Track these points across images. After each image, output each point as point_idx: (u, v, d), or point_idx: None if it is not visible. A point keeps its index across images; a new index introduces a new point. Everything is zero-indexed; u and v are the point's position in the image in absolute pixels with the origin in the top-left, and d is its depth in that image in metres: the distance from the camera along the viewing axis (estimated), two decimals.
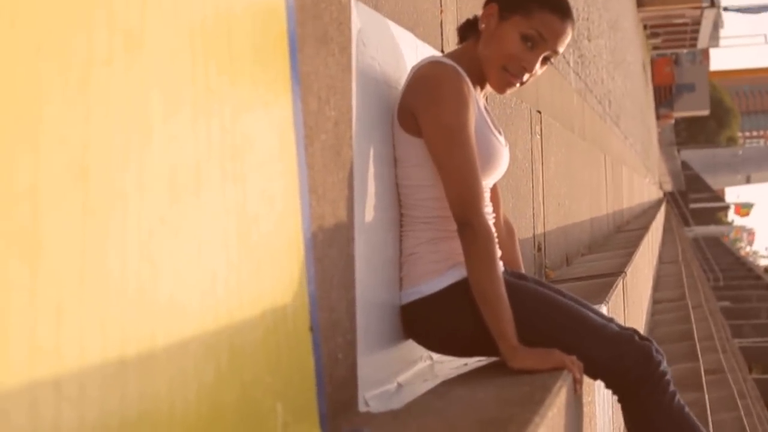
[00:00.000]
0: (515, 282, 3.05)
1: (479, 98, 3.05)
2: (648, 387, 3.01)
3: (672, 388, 3.04)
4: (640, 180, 23.54)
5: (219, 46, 1.93)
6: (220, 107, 1.92)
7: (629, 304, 6.06)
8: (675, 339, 10.85)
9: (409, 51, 3.20)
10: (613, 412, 4.14)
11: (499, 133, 3.14)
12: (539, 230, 6.10)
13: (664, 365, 3.05)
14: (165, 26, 1.73)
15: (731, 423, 11.82)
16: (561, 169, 7.32)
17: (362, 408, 2.62)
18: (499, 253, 3.10)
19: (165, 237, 1.71)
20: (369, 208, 2.79)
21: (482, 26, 3.02)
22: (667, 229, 27.18)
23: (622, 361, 3.00)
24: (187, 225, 1.80)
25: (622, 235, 12.65)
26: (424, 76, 2.92)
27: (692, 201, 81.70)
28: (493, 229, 3.12)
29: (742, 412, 12.91)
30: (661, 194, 38.64)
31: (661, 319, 12.70)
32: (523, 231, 5.57)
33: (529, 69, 2.97)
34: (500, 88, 3.02)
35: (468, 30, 3.09)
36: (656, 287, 15.62)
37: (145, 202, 1.64)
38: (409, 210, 3.03)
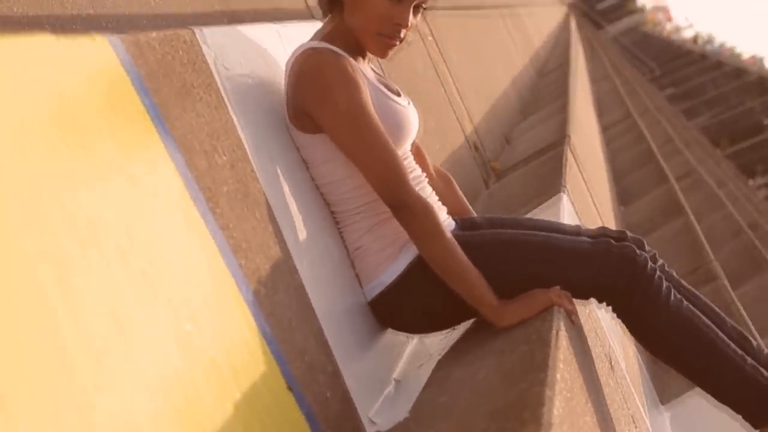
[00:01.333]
0: (471, 236, 2.97)
1: (365, 69, 2.95)
2: (639, 293, 2.95)
3: (665, 286, 2.98)
4: (541, 10, 23.44)
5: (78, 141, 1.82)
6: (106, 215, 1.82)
7: (586, 169, 6.02)
8: (637, 165, 10.87)
9: (274, 44, 3.08)
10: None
11: (398, 94, 3.04)
12: (469, 129, 6.03)
13: (651, 265, 2.98)
14: None
15: (722, 222, 11.90)
16: (464, 55, 7.23)
17: (370, 431, 2.56)
18: (444, 216, 3.03)
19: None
20: (299, 228, 2.70)
21: None
22: (585, 44, 27.19)
23: (605, 275, 2.94)
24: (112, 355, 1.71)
25: (546, 82, 12.60)
26: (303, 70, 2.81)
27: (597, 2, 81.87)
28: (429, 190, 3.05)
29: (730, 207, 13.00)
30: (564, 11, 38.54)
31: (617, 147, 12.73)
32: (454, 140, 5.50)
33: (404, 24, 2.86)
34: (381, 53, 2.91)
35: (330, 2, 2.96)
36: (599, 112, 15.65)
37: None
38: (338, 206, 2.94)
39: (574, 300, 2.91)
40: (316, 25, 3.09)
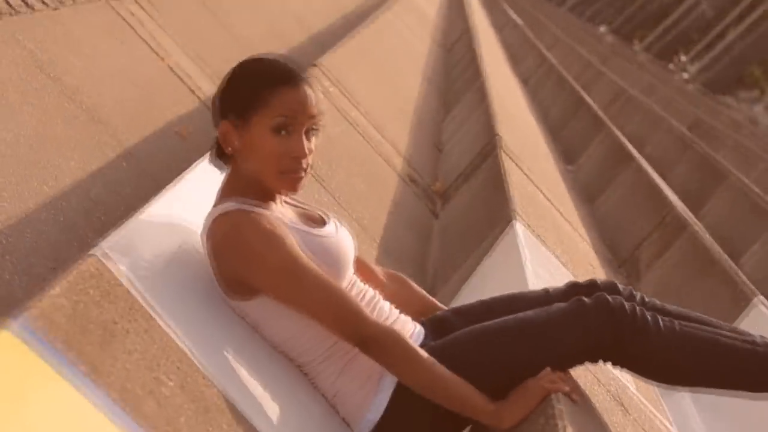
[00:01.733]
0: (444, 345, 2.83)
1: (283, 212, 2.79)
2: (628, 337, 2.81)
3: (649, 316, 2.85)
4: None
5: None
6: None
7: (524, 162, 5.88)
8: (570, 114, 10.75)
9: (179, 213, 2.91)
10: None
11: (323, 222, 2.88)
12: (399, 165, 5.90)
13: (628, 304, 2.84)
14: None
15: (666, 139, 11.85)
16: (369, 77, 7.09)
17: None
18: (409, 327, 2.89)
19: None
20: (270, 410, 2.55)
21: (229, 149, 2.73)
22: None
23: (589, 336, 2.80)
24: None
25: (456, 59, 12.47)
26: (220, 239, 2.65)
27: None
28: (387, 306, 2.91)
29: (670, 119, 12.96)
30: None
31: (544, 98, 12.62)
32: (389, 185, 5.37)
33: (302, 155, 2.70)
34: (291, 189, 2.75)
35: (222, 155, 2.79)
36: (514, 62, 15.56)
37: None
38: (303, 358, 2.79)
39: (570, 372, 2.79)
40: (213, 175, 2.90)
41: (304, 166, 2.72)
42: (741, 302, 4.76)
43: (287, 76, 2.72)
